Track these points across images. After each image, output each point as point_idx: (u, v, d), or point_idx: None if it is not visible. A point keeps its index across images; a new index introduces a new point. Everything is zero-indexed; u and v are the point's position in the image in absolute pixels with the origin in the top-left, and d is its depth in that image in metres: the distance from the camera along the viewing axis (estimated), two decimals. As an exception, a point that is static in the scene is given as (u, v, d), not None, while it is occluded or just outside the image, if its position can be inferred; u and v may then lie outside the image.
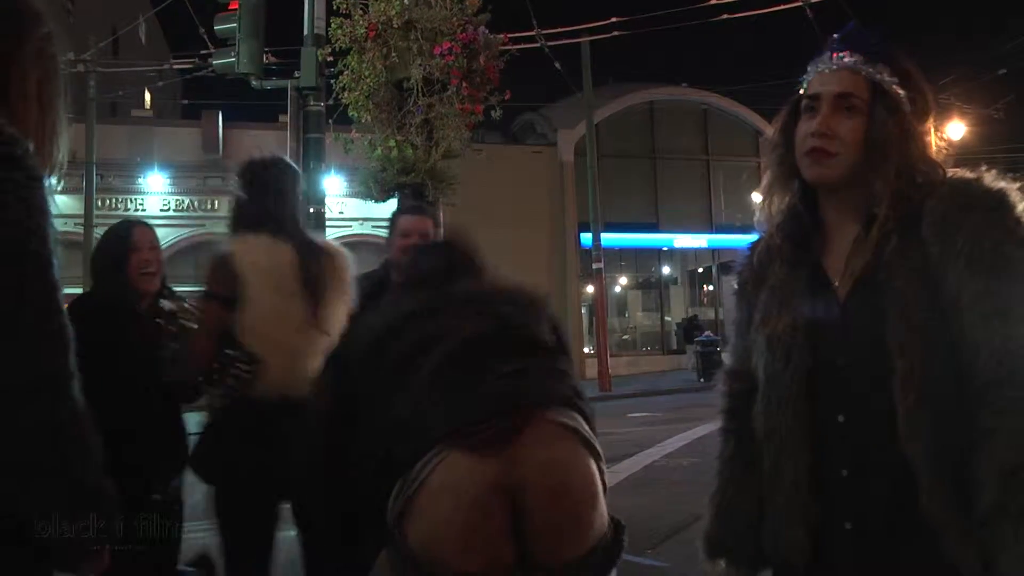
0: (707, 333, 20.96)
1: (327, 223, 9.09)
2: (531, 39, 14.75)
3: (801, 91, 1.52)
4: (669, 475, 7.34)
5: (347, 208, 18.96)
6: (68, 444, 1.24)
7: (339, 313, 2.73)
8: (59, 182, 1.46)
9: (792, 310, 1.48)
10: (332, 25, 6.30)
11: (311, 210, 7.47)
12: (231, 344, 2.57)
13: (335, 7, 6.41)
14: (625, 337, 26.39)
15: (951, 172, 1.44)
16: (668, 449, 8.88)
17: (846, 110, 1.44)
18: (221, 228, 3.08)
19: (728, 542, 1.56)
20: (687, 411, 12.20)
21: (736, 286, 1.65)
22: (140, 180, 19.66)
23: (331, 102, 7.00)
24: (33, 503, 1.22)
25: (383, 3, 6.03)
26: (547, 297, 1.99)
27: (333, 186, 15.44)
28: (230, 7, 8.13)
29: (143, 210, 19.33)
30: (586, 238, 21.36)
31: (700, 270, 27.57)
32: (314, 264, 2.72)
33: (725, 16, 14.19)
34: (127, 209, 19.37)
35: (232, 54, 8.11)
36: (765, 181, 1.59)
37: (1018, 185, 1.38)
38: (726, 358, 1.67)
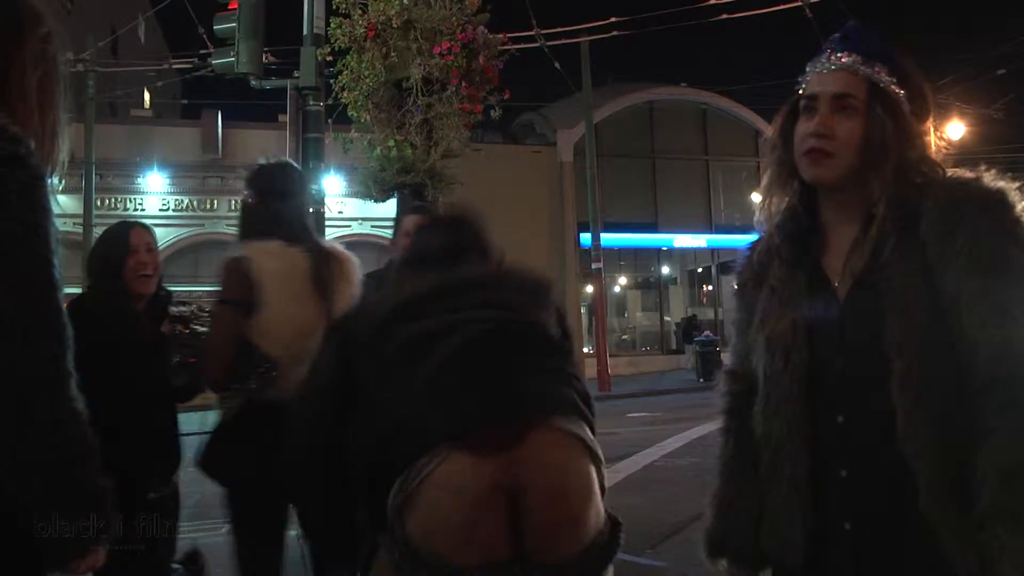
0: (706, 333, 20.97)
1: (326, 223, 9.09)
2: (530, 39, 14.73)
3: (800, 91, 1.52)
4: (668, 475, 7.33)
5: (346, 208, 18.94)
6: (67, 443, 1.24)
7: None
8: (60, 181, 1.46)
9: (792, 310, 1.48)
10: (331, 25, 6.31)
11: (310, 210, 7.45)
12: (246, 348, 2.58)
13: (335, 7, 6.41)
14: (624, 337, 26.37)
15: (950, 172, 1.44)
16: (667, 449, 8.87)
17: (844, 110, 1.44)
18: (220, 228, 3.08)
19: (729, 542, 1.56)
20: (686, 411, 12.19)
21: (736, 286, 1.66)
22: (139, 180, 19.61)
23: (330, 102, 6.99)
24: (33, 502, 1.22)
25: (382, 3, 6.04)
26: (553, 282, 1.98)
27: (332, 186, 15.42)
28: (229, 7, 8.11)
29: (142, 210, 19.29)
30: (585, 238, 21.32)
31: (699, 270, 27.53)
32: (325, 269, 2.75)
33: (725, 16, 14.19)
34: (126, 209, 19.33)
35: (231, 54, 8.09)
36: (764, 181, 1.59)
37: (1017, 185, 1.38)
38: (726, 358, 1.68)
